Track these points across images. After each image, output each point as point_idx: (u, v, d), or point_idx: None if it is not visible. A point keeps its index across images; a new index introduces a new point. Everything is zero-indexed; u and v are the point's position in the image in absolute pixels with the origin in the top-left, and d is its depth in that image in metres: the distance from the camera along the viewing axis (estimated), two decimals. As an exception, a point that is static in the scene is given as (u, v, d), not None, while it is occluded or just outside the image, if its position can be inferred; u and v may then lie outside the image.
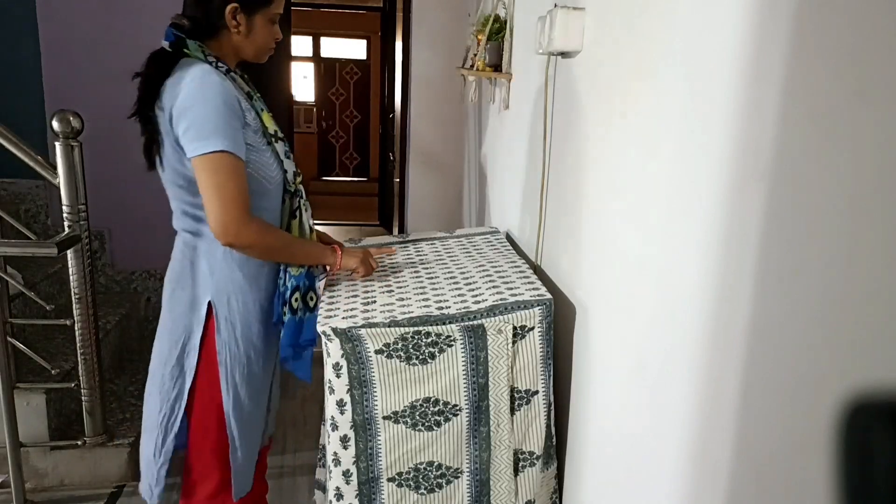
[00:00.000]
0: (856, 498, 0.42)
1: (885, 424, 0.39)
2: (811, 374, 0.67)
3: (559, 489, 1.52)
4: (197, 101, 1.28)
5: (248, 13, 1.39)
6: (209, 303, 1.42)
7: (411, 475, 1.38)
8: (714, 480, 0.85)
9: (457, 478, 1.40)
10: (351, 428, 1.36)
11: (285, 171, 1.45)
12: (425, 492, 1.39)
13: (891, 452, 0.38)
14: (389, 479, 1.38)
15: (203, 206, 1.34)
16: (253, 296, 1.45)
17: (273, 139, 1.42)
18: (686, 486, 0.93)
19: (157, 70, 1.35)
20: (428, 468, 1.38)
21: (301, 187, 1.51)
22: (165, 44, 1.37)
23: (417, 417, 1.34)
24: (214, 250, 1.41)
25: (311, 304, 1.49)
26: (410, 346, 1.31)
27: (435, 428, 1.35)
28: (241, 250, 1.38)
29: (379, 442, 1.36)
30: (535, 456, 1.41)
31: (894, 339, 0.56)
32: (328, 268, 1.56)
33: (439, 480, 1.39)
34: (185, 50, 1.35)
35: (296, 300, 1.47)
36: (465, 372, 1.33)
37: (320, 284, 1.54)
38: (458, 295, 1.41)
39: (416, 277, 1.57)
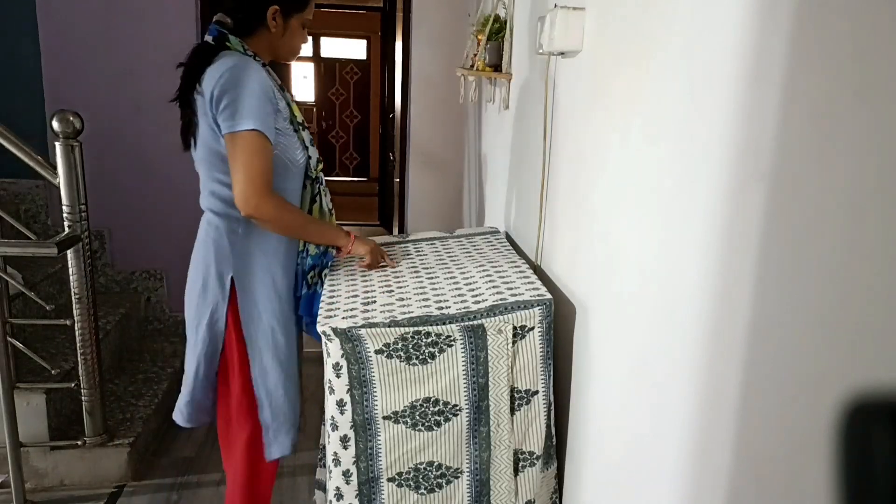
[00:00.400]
0: (856, 498, 0.41)
1: (885, 424, 0.39)
2: (811, 374, 0.67)
3: (559, 489, 1.52)
4: (236, 85, 1.41)
5: (285, 15, 1.54)
6: (231, 278, 1.55)
7: (411, 475, 1.38)
8: (714, 480, 0.85)
9: (457, 478, 1.40)
10: (351, 428, 1.36)
11: (309, 157, 1.59)
12: (425, 492, 1.39)
13: (891, 452, 0.38)
14: (389, 479, 1.38)
15: (227, 190, 1.48)
16: (271, 271, 1.57)
17: (300, 127, 1.57)
18: (686, 485, 0.93)
19: (200, 60, 1.47)
20: (428, 468, 1.38)
21: (321, 174, 1.66)
22: (209, 38, 1.51)
23: (417, 417, 1.34)
24: (236, 229, 1.54)
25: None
26: (410, 346, 1.31)
27: (435, 428, 1.35)
28: (259, 223, 1.49)
29: (379, 442, 1.35)
30: (535, 456, 1.41)
31: (894, 339, 0.56)
32: (338, 250, 1.67)
33: (439, 480, 1.39)
34: (227, 43, 1.49)
35: (312, 277, 1.62)
36: (465, 372, 1.33)
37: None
38: (458, 295, 1.41)
39: (416, 277, 1.57)
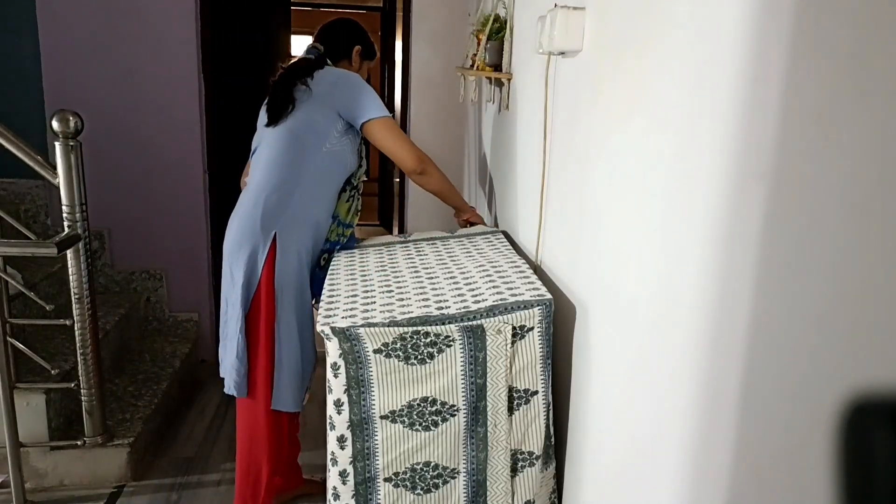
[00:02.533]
0: (856, 498, 0.41)
1: (885, 424, 0.39)
2: (811, 374, 0.67)
3: (558, 489, 1.52)
4: (363, 86, 1.86)
5: (361, 58, 2.05)
6: (275, 233, 1.78)
7: (408, 475, 1.38)
8: (714, 480, 0.85)
9: (453, 478, 1.39)
10: (348, 428, 1.36)
11: (359, 167, 1.93)
12: (422, 492, 1.39)
13: (891, 452, 0.38)
14: (386, 480, 1.38)
15: (295, 162, 1.80)
16: (306, 240, 1.82)
17: (362, 142, 1.92)
18: (686, 486, 0.93)
19: (307, 66, 1.87)
20: (424, 468, 1.38)
21: (361, 185, 1.99)
22: (310, 56, 1.92)
23: (415, 417, 1.34)
24: (292, 192, 1.80)
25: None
26: (409, 345, 1.31)
27: (432, 428, 1.35)
28: (424, 178, 1.91)
29: (376, 442, 1.35)
30: (534, 456, 1.41)
31: (894, 339, 0.56)
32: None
33: (436, 481, 1.39)
34: (327, 62, 1.93)
35: (323, 259, 1.89)
36: (463, 372, 1.33)
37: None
38: (459, 295, 1.41)
39: (416, 277, 1.56)
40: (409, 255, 1.77)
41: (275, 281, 1.78)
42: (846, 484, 0.42)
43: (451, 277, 1.54)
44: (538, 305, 1.32)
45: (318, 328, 1.33)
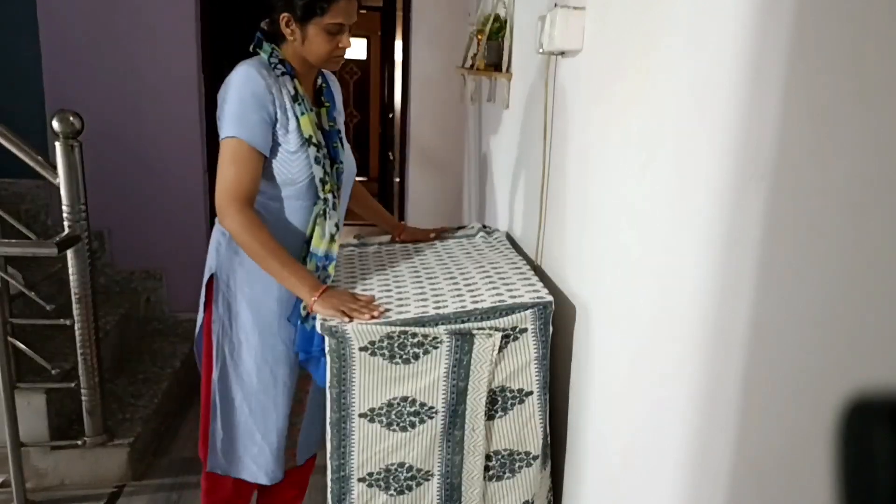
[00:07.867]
0: (856, 498, 0.42)
1: (885, 424, 0.39)
2: (811, 374, 0.67)
3: (557, 488, 1.52)
4: (224, 93, 1.42)
5: (301, 21, 1.44)
6: (213, 275, 1.54)
7: (382, 475, 1.38)
8: (714, 480, 0.85)
9: (427, 480, 1.39)
10: (328, 424, 1.36)
11: (313, 176, 1.48)
12: (395, 493, 1.39)
13: (891, 452, 0.38)
14: (360, 479, 1.37)
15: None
16: (248, 286, 1.52)
17: (307, 144, 1.46)
18: (686, 485, 0.93)
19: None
20: (399, 469, 1.38)
21: (329, 196, 1.50)
22: (252, 46, 1.50)
23: (393, 416, 1.34)
24: (225, 231, 1.51)
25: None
26: (396, 344, 1.30)
27: (409, 429, 1.35)
28: (223, 220, 1.44)
29: (353, 440, 1.35)
30: (531, 456, 1.41)
31: (894, 339, 0.56)
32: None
33: (409, 482, 1.39)
34: (259, 50, 1.48)
35: (304, 307, 1.45)
36: (445, 374, 1.32)
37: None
38: (458, 296, 1.41)
39: (416, 277, 1.56)
40: (408, 254, 1.77)
41: (212, 327, 1.55)
42: (846, 484, 0.42)
43: (450, 278, 1.54)
44: (534, 307, 1.32)
45: (317, 327, 1.34)
